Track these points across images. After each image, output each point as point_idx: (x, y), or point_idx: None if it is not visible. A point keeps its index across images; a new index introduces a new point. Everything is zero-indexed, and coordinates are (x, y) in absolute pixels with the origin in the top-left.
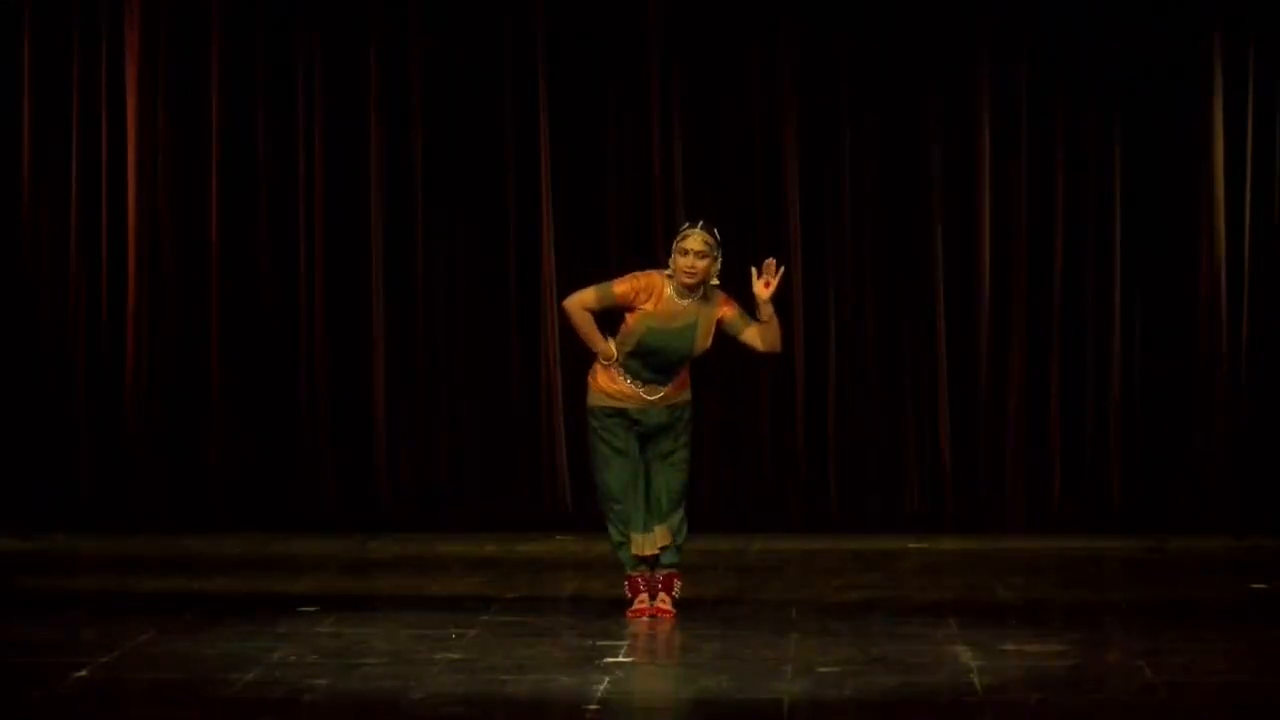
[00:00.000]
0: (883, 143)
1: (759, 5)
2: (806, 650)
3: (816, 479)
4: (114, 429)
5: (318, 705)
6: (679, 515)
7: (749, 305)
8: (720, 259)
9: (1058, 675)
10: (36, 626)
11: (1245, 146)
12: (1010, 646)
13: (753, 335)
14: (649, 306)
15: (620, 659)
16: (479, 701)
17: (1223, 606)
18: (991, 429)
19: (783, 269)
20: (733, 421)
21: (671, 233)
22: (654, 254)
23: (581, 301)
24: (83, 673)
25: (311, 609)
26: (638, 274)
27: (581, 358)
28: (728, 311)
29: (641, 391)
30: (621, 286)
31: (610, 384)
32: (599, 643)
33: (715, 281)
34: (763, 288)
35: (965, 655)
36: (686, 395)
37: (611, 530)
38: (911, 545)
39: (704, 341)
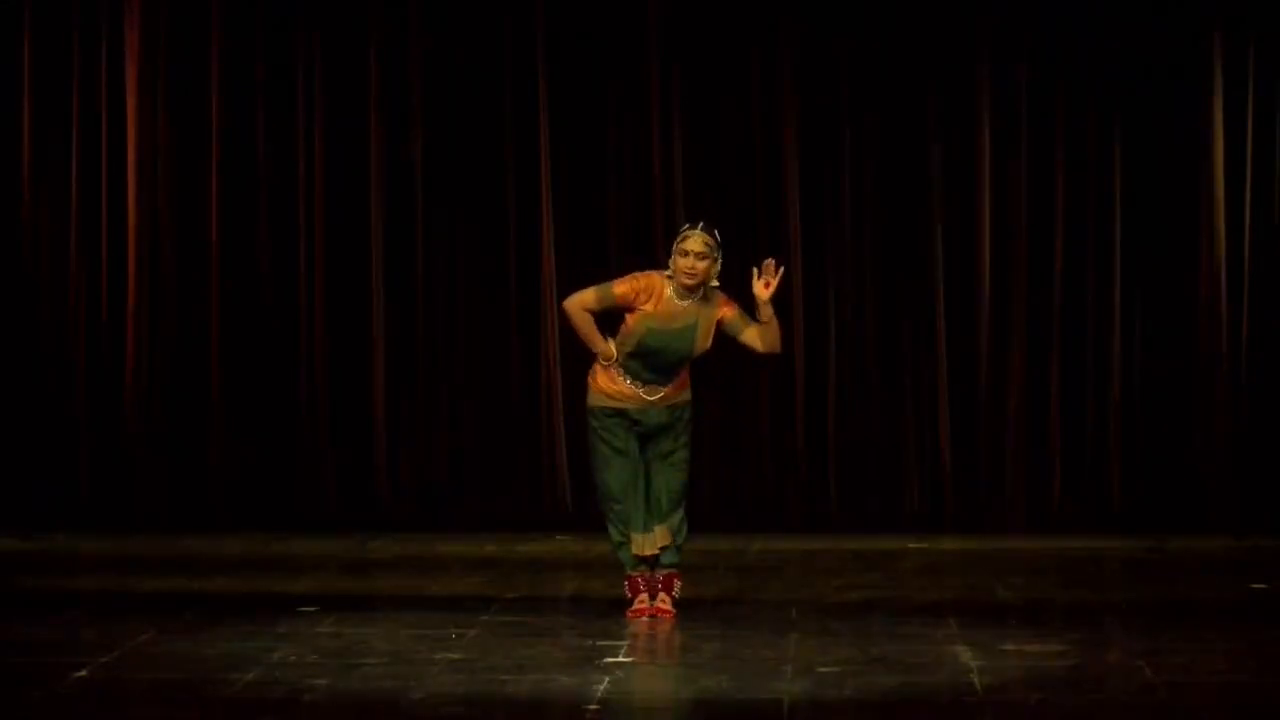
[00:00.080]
0: (883, 143)
1: (759, 5)
2: (806, 650)
3: (816, 479)
4: (114, 429)
5: (318, 705)
6: (679, 515)
7: (749, 306)
8: (720, 260)
9: (1058, 675)
10: (36, 626)
11: (1245, 146)
12: (1010, 646)
13: (752, 336)
14: (649, 307)
15: (620, 659)
16: (479, 701)
17: (1223, 606)
18: (991, 429)
19: (782, 269)
20: (733, 421)
21: (671, 233)
22: (654, 254)
23: (581, 302)
24: (83, 673)
25: (311, 609)
26: (638, 274)
27: (581, 358)
28: (728, 312)
29: (641, 392)
30: (621, 287)
31: (610, 384)
32: (599, 643)
33: (715, 283)
34: (762, 288)
35: (965, 655)
36: (686, 395)
37: (611, 530)
38: (911, 545)
39: (704, 342)
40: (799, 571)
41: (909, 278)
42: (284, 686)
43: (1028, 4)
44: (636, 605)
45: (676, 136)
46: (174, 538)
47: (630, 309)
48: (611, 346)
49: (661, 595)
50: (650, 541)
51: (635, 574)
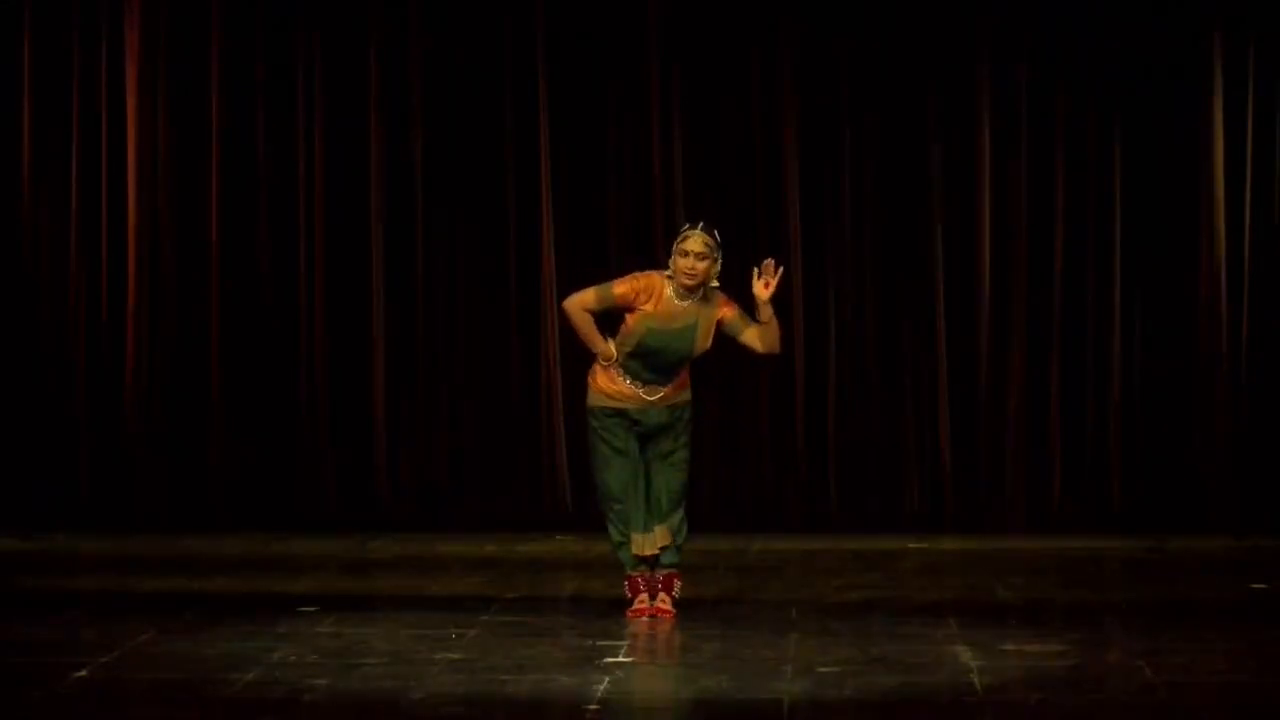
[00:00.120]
0: (883, 143)
1: (759, 5)
2: (806, 650)
3: (816, 479)
4: (114, 429)
5: (318, 705)
6: (679, 515)
7: (749, 306)
8: (720, 260)
9: (1058, 675)
10: (36, 626)
11: (1245, 146)
12: (1010, 646)
13: (752, 336)
14: (649, 307)
15: (620, 659)
16: (479, 701)
17: (1223, 606)
18: (991, 429)
19: (781, 269)
20: (733, 421)
21: (671, 233)
22: (654, 254)
23: (581, 302)
24: (83, 673)
25: (311, 609)
26: (637, 275)
27: (581, 358)
28: (728, 312)
29: (641, 392)
30: (621, 287)
31: (610, 384)
32: (599, 643)
33: (715, 283)
34: (762, 288)
35: (965, 655)
36: (686, 395)
37: (611, 530)
38: (911, 545)
39: (704, 342)
40: (799, 571)
41: (909, 278)
42: (284, 686)
43: (1028, 4)
44: (636, 605)
45: (676, 136)
46: (174, 538)
47: (630, 309)
48: (611, 347)
49: (661, 595)
50: (650, 541)
51: (635, 574)
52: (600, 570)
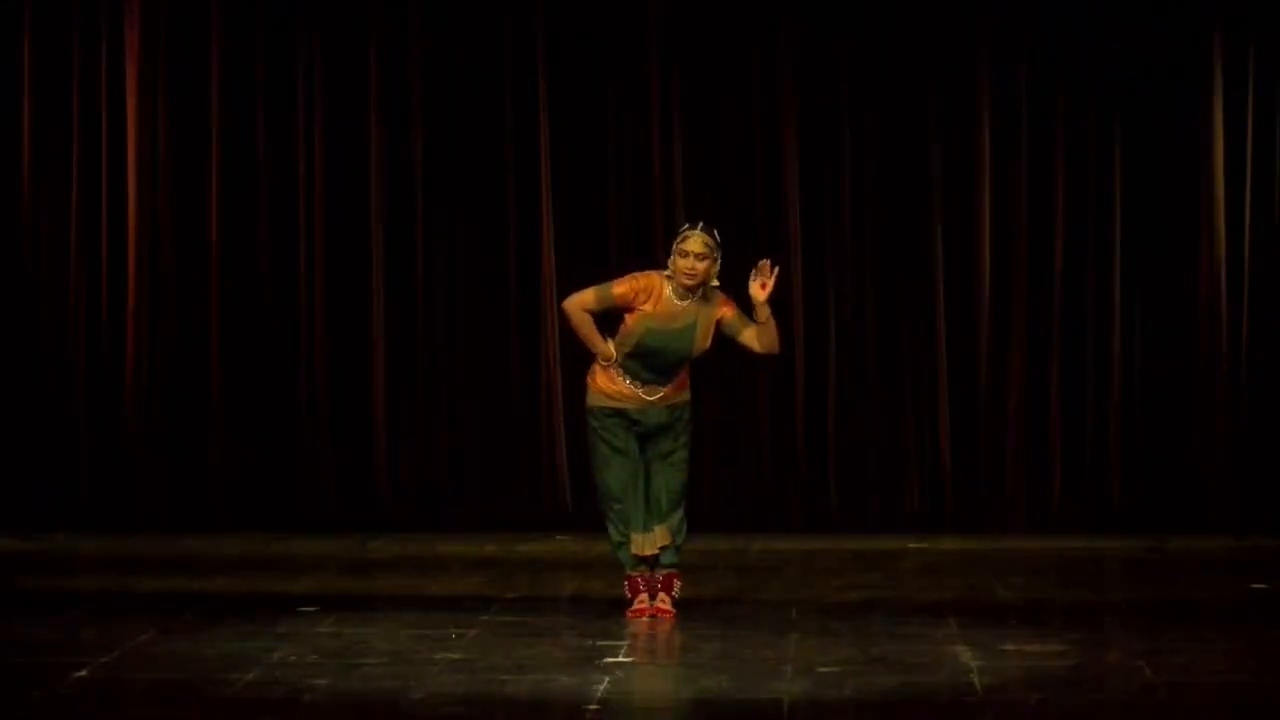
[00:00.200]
0: (883, 143)
1: (759, 5)
2: (806, 650)
3: (816, 479)
4: (114, 429)
5: (318, 705)
6: (679, 515)
7: (748, 306)
8: (720, 260)
9: (1058, 675)
10: (36, 626)
11: (1245, 146)
12: (1010, 646)
13: (751, 337)
14: (648, 307)
15: (620, 659)
16: (479, 701)
17: (1223, 606)
18: (991, 429)
19: (778, 269)
20: (733, 421)
21: (671, 233)
22: (654, 254)
23: (581, 302)
24: (83, 673)
25: (311, 609)
26: (637, 275)
27: (581, 358)
28: (727, 312)
29: (641, 392)
30: (621, 287)
31: (609, 384)
32: (599, 643)
33: (715, 282)
34: (759, 289)
35: (965, 655)
36: (686, 395)
37: (611, 530)
38: (911, 545)
39: (703, 342)
40: (799, 571)
41: (909, 278)
42: (284, 686)
43: (1028, 4)
44: (636, 605)
45: (676, 136)
46: (174, 538)
47: (629, 309)
48: (611, 347)
49: (661, 595)
50: (650, 541)
51: (635, 574)
52: (600, 570)
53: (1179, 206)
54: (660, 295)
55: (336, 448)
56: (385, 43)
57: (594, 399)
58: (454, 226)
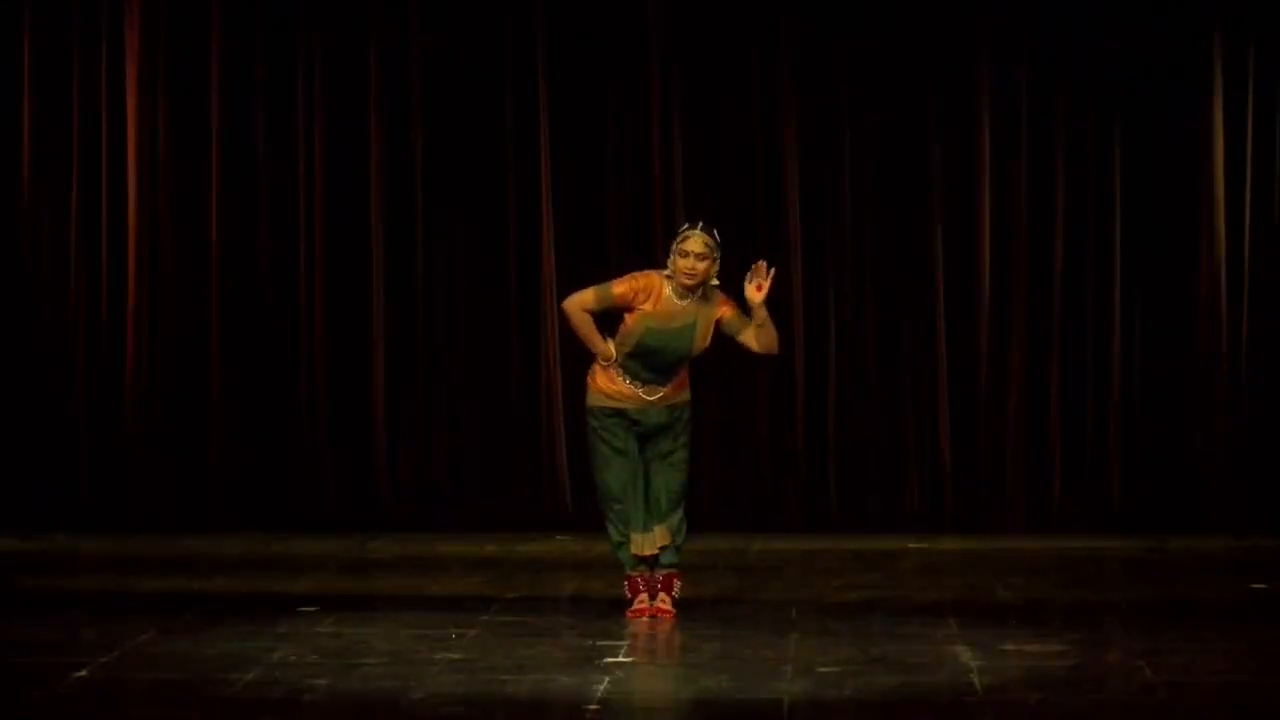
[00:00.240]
0: (883, 143)
1: (759, 5)
2: (806, 650)
3: (816, 479)
4: (114, 429)
5: (318, 705)
6: (678, 515)
7: (745, 307)
8: (719, 260)
9: (1058, 675)
10: (36, 626)
11: (1245, 146)
12: (1010, 646)
13: (750, 336)
14: (648, 307)
15: (620, 659)
16: (479, 701)
17: (1223, 606)
18: (991, 429)
19: (774, 271)
20: (732, 421)
21: (671, 233)
22: (654, 254)
23: (581, 302)
24: (83, 673)
25: (311, 609)
26: (636, 274)
27: (581, 358)
28: (726, 311)
29: (641, 392)
30: (620, 287)
31: (609, 384)
32: (599, 643)
33: (715, 281)
34: (754, 291)
35: (965, 655)
36: (686, 395)
37: (611, 530)
38: (911, 545)
39: (703, 341)
40: (799, 571)
41: (909, 278)
42: (284, 686)
43: (1028, 4)
44: (636, 605)
45: (676, 136)
46: (174, 538)
47: (629, 309)
48: (611, 347)
49: (661, 595)
50: (650, 541)
51: (635, 574)
52: (600, 570)
53: (1179, 206)
54: (660, 295)
55: (336, 448)
56: (385, 43)
57: (594, 399)
58: (454, 226)
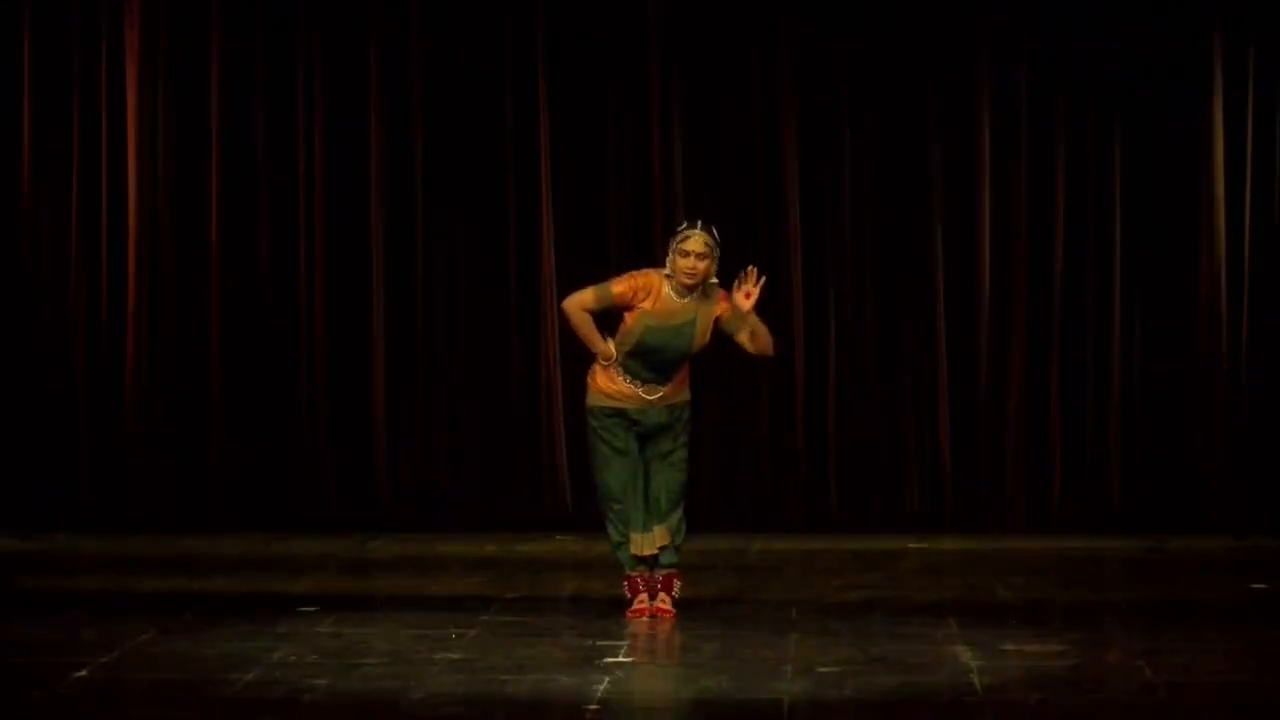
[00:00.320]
0: (883, 143)
1: (759, 5)
2: (806, 650)
3: (816, 479)
4: (114, 429)
5: (318, 705)
6: (678, 515)
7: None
8: (718, 258)
9: (1058, 675)
10: (36, 626)
11: (1245, 146)
12: (1010, 646)
13: (745, 338)
14: (647, 305)
15: (620, 659)
16: (479, 701)
17: (1223, 606)
18: (991, 429)
19: (764, 279)
20: (732, 421)
21: (671, 232)
22: (654, 254)
23: (580, 302)
24: (83, 673)
25: (311, 609)
26: (635, 273)
27: (581, 358)
28: (726, 308)
29: (641, 391)
30: (620, 286)
31: (609, 384)
32: (599, 643)
33: (714, 279)
34: (743, 299)
35: (965, 655)
36: (685, 395)
37: (611, 530)
38: (911, 545)
39: (703, 338)
40: (799, 571)
41: (909, 278)
42: (284, 686)
43: (1028, 4)
44: (636, 605)
45: (676, 136)
46: (174, 538)
47: (629, 307)
48: (611, 346)
49: (661, 595)
50: (649, 541)
51: (634, 574)
52: (600, 570)
53: (1179, 206)
54: (659, 293)
55: (336, 448)
56: (385, 43)
57: (594, 399)
58: (454, 226)
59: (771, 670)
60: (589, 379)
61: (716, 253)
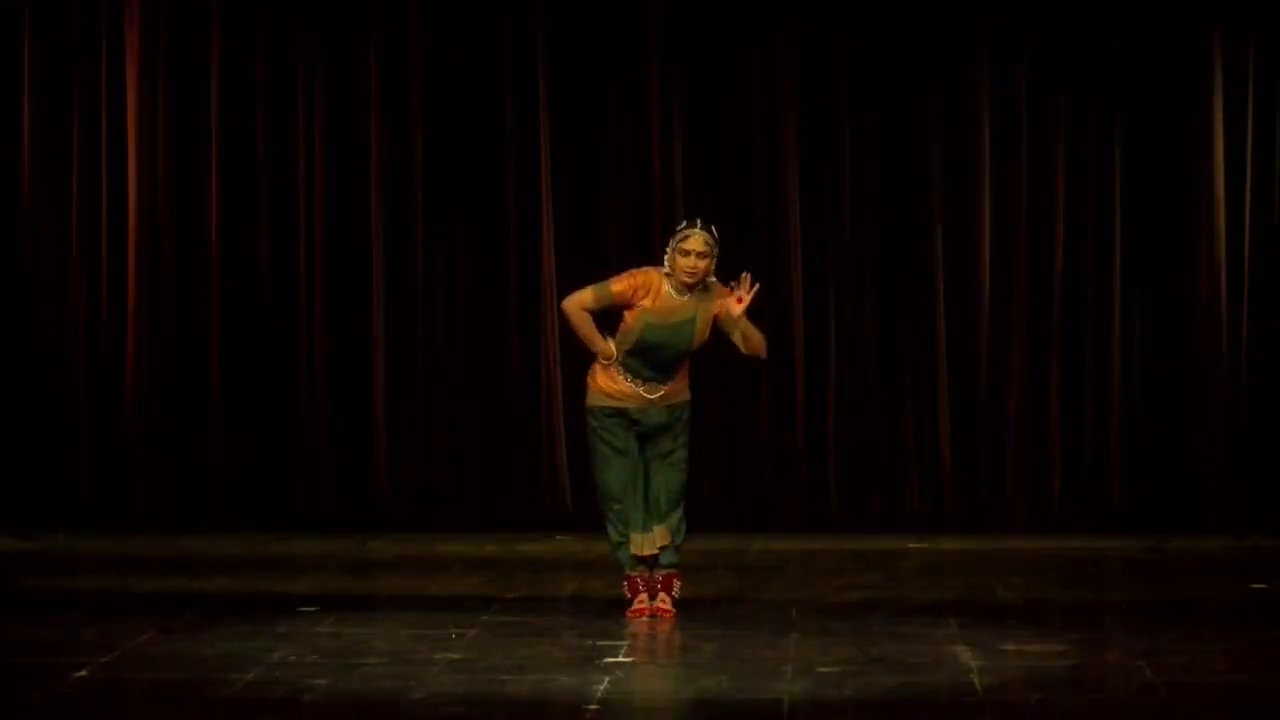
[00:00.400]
0: (883, 143)
1: (759, 5)
2: (806, 650)
3: (816, 479)
4: (114, 429)
5: (318, 705)
6: (678, 515)
7: None
8: (717, 256)
9: (1058, 675)
10: (36, 626)
11: (1245, 146)
12: (1010, 646)
13: (739, 337)
14: (647, 303)
15: (620, 659)
16: (479, 701)
17: (1223, 606)
18: (991, 429)
19: (758, 286)
20: (732, 421)
21: (671, 232)
22: (654, 254)
23: (580, 302)
24: (83, 673)
25: (311, 609)
26: (634, 271)
27: (581, 358)
28: (724, 306)
29: (641, 390)
30: (619, 285)
31: (610, 384)
32: (599, 643)
33: (713, 277)
34: (735, 304)
35: (965, 655)
36: (686, 395)
37: (611, 530)
38: (911, 545)
39: (702, 335)
40: (799, 571)
41: (909, 278)
42: (284, 686)
43: (1028, 4)
44: (636, 605)
45: (676, 136)
46: (174, 538)
47: (628, 306)
48: (611, 345)
49: (661, 595)
50: (649, 541)
51: (634, 574)
52: (600, 570)
53: (1179, 206)
54: (659, 291)
55: (336, 448)
56: (385, 43)
57: (594, 399)
58: (454, 226)
59: (771, 670)
60: (589, 379)
61: (716, 252)
